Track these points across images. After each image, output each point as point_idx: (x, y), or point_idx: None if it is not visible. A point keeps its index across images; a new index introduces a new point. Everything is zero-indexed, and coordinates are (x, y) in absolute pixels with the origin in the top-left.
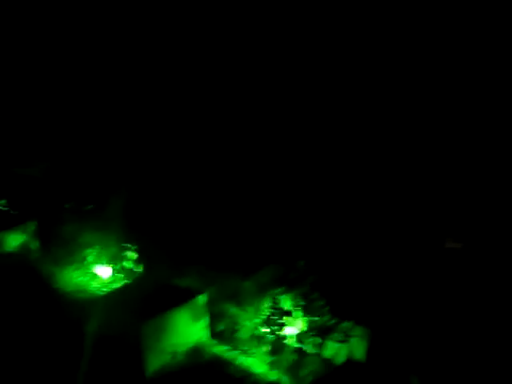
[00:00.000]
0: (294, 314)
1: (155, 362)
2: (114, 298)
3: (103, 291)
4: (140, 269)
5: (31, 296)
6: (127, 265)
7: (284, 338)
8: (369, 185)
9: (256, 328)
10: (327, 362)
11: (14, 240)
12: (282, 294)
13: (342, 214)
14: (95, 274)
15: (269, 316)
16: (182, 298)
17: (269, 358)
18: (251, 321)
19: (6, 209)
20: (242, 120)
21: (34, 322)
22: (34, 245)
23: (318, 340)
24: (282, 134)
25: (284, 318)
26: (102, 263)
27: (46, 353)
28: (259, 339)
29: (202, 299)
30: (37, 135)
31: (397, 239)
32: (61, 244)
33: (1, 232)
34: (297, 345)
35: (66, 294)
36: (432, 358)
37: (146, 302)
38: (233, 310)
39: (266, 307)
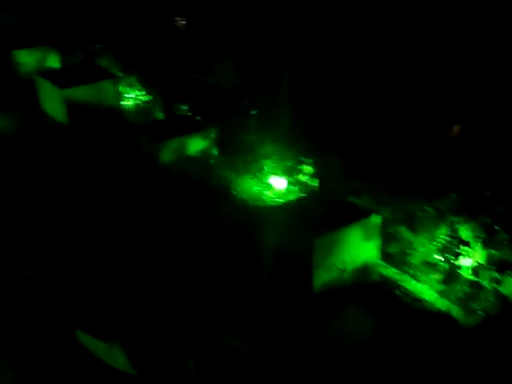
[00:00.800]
0: (471, 245)
1: (324, 277)
2: (287, 210)
3: (277, 202)
4: (315, 183)
5: (208, 199)
6: (302, 178)
7: (459, 268)
8: None
9: (429, 254)
10: (504, 300)
11: (196, 145)
12: (460, 223)
13: None
14: (271, 185)
15: (444, 244)
16: (355, 216)
17: (440, 287)
18: (425, 246)
19: (188, 114)
20: None
21: (212, 226)
22: (214, 151)
23: (496, 275)
24: None
25: (461, 247)
26: (278, 175)
27: (222, 256)
28: (431, 266)
29: (375, 219)
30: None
31: None
32: (240, 152)
33: (185, 136)
34: (472, 277)
35: (242, 201)
36: None
37: (318, 216)
38: (406, 233)
39: (442, 235)
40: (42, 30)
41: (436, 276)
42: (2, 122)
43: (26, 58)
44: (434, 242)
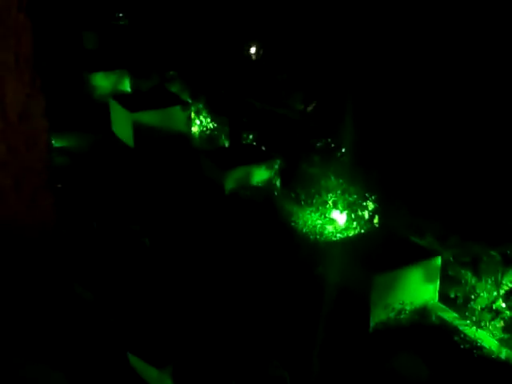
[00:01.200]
0: None
1: (381, 316)
2: (348, 245)
3: (337, 237)
4: (376, 220)
5: (270, 229)
6: (364, 214)
7: None
8: None
9: (493, 301)
10: None
11: (260, 175)
12: None
13: None
14: (332, 219)
15: (511, 291)
16: (416, 256)
17: (502, 335)
18: (489, 292)
19: (254, 143)
20: None
21: (269, 255)
22: (278, 182)
23: None
24: None
25: None
26: (340, 209)
27: (277, 287)
28: (494, 313)
29: (437, 261)
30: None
31: None
32: (303, 185)
33: (250, 165)
34: None
35: (302, 234)
36: None
37: (378, 254)
38: (469, 277)
39: (507, 281)
40: (118, 54)
41: (498, 324)
42: (73, 142)
43: (102, 81)
44: (498, 289)
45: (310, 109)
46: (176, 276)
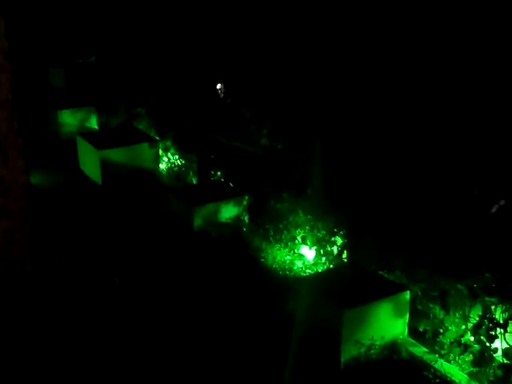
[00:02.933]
0: (506, 326)
1: (351, 352)
2: (317, 281)
3: (307, 272)
4: (344, 255)
5: (238, 265)
6: (332, 250)
7: (492, 350)
8: None
9: (462, 335)
10: None
11: (229, 211)
12: (495, 303)
13: None
14: (301, 255)
15: (478, 324)
16: (385, 291)
17: (471, 369)
18: (457, 326)
19: (222, 180)
20: None
21: (238, 291)
22: (246, 218)
23: None
24: None
25: (496, 329)
26: (308, 244)
27: (245, 325)
28: (463, 347)
29: (406, 295)
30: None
31: None
32: (272, 220)
33: (218, 202)
34: (505, 360)
35: (271, 270)
36: None
37: (348, 289)
38: (438, 311)
39: (474, 315)
40: (85, 91)
41: (467, 357)
42: (40, 179)
43: (69, 118)
44: (467, 322)
45: (278, 145)
46: (143, 316)
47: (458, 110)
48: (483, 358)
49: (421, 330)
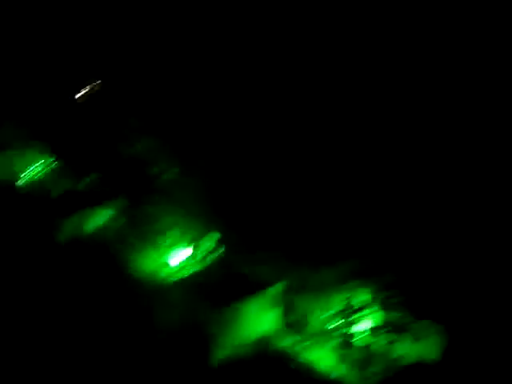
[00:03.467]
0: (368, 308)
1: (221, 352)
2: (185, 286)
3: (175, 277)
4: (215, 255)
5: (107, 276)
6: (203, 250)
7: (356, 332)
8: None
9: (328, 321)
10: (397, 362)
11: (101, 217)
12: (357, 287)
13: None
14: (169, 259)
15: (342, 309)
16: (255, 287)
17: (338, 353)
18: (323, 313)
19: (97, 184)
20: None
21: (102, 308)
22: (119, 223)
23: (391, 337)
24: None
25: (358, 312)
26: (179, 247)
27: (114, 340)
28: (330, 332)
29: (274, 289)
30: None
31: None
32: (143, 224)
33: (89, 211)
34: (368, 341)
35: (140, 278)
36: None
37: (217, 290)
38: (304, 301)
39: (339, 300)
40: None
41: (334, 342)
42: None
43: None
44: (333, 308)
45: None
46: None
47: None
48: (348, 341)
49: (289, 321)
